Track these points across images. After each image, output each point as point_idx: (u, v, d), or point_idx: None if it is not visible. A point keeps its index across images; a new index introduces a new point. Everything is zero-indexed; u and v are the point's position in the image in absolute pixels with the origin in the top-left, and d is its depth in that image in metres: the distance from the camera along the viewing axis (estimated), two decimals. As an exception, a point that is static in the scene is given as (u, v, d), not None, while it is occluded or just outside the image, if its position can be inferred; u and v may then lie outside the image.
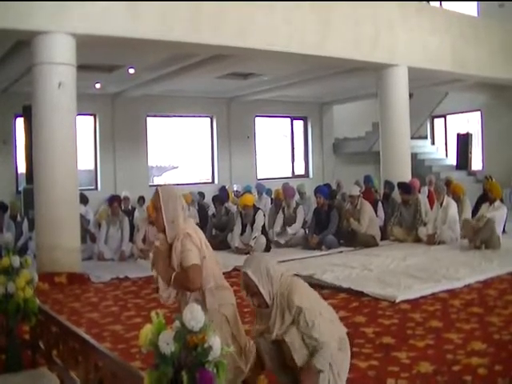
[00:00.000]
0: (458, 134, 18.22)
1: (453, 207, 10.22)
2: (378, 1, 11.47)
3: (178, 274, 3.78)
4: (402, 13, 12.07)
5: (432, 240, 10.12)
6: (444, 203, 10.25)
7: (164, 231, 3.90)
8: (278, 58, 11.23)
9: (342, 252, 9.95)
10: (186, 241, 3.80)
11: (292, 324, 3.49)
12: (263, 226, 10.40)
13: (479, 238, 9.31)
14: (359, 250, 9.96)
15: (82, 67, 9.45)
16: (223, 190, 13.12)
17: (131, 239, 10.42)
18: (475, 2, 16.45)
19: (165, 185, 4.13)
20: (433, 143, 19.63)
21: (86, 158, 15.13)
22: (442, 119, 19.41)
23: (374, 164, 14.87)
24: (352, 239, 10.36)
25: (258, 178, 17.91)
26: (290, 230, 10.88)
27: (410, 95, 12.70)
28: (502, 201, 10.03)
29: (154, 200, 3.94)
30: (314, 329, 3.44)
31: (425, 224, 10.63)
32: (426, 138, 19.35)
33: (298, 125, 19.67)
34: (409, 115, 12.43)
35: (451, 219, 10.13)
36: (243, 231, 10.41)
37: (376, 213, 10.88)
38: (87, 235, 10.50)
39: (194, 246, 3.81)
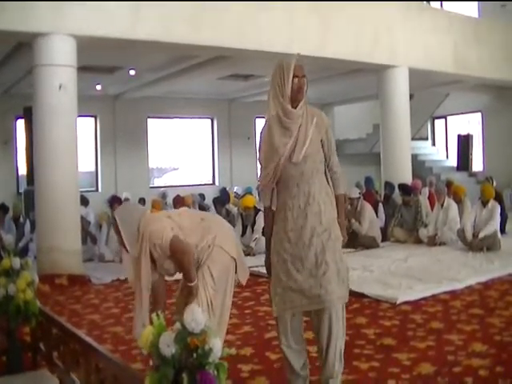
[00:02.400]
0: (459, 135, 18.22)
1: (453, 208, 10.22)
2: (379, 1, 11.47)
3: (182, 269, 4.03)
4: (403, 14, 12.08)
5: (433, 241, 10.12)
6: (445, 204, 10.26)
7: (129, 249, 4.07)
8: (278, 60, 11.21)
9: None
10: (153, 239, 3.94)
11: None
12: (264, 228, 10.40)
13: (482, 245, 9.30)
14: (360, 252, 9.96)
15: (82, 69, 9.47)
16: (224, 191, 13.13)
17: (132, 241, 10.41)
18: (476, 3, 16.44)
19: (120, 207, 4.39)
20: (433, 144, 19.63)
21: (86, 159, 15.14)
22: (443, 120, 19.41)
23: (375, 165, 14.87)
24: (353, 240, 10.32)
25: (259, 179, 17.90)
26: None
27: (411, 96, 12.71)
28: (496, 198, 9.94)
29: (114, 227, 4.12)
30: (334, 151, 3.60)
31: (425, 225, 10.63)
32: (426, 139, 19.35)
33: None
34: (409, 116, 12.43)
35: (452, 220, 10.13)
36: (244, 233, 10.41)
37: (377, 214, 10.88)
38: (88, 237, 10.50)
39: (160, 232, 3.96)
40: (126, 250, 4.05)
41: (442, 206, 10.29)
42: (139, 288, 4.01)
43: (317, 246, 3.47)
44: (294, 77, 3.44)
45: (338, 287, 3.52)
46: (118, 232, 4.04)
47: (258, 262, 9.17)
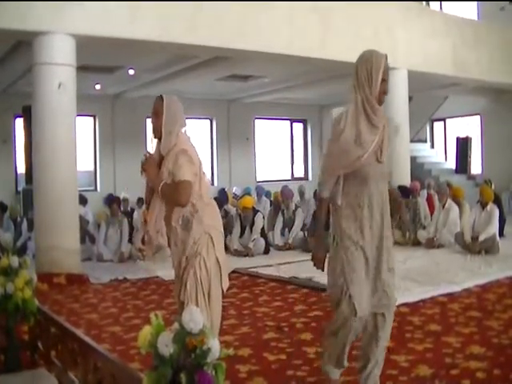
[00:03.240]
0: (458, 138, 18.23)
1: (455, 210, 10.25)
2: (379, 1, 11.48)
3: (167, 185, 3.73)
4: (402, 16, 12.09)
5: (431, 243, 10.12)
6: (446, 205, 10.29)
7: (160, 139, 3.84)
8: (278, 61, 11.25)
9: (340, 255, 9.92)
10: (181, 156, 3.73)
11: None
12: (262, 229, 10.41)
13: (480, 248, 9.32)
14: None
15: (82, 68, 9.47)
16: (223, 192, 13.13)
17: (130, 240, 10.43)
18: (475, 6, 16.45)
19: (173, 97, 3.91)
20: (432, 147, 19.64)
21: (85, 158, 15.14)
22: (442, 123, 19.42)
23: (374, 167, 14.85)
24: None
25: (258, 180, 17.92)
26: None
27: (410, 98, 12.72)
28: (495, 201, 9.96)
29: (156, 105, 3.85)
30: None
31: (424, 227, 10.63)
32: (425, 141, 19.36)
33: (298, 127, 19.69)
34: (408, 118, 12.43)
35: (451, 222, 10.14)
36: (242, 233, 10.42)
37: (375, 216, 10.87)
38: (86, 236, 10.50)
39: (189, 162, 3.74)
40: (156, 137, 3.85)
41: (444, 206, 10.32)
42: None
43: (386, 249, 3.48)
44: (382, 80, 3.48)
45: (394, 291, 3.55)
46: (158, 114, 3.80)
47: (256, 263, 9.22)
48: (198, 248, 3.78)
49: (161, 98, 3.85)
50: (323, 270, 3.58)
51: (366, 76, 3.47)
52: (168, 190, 3.72)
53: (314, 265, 3.59)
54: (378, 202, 3.48)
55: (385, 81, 3.49)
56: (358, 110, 3.48)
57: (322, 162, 3.58)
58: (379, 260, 3.48)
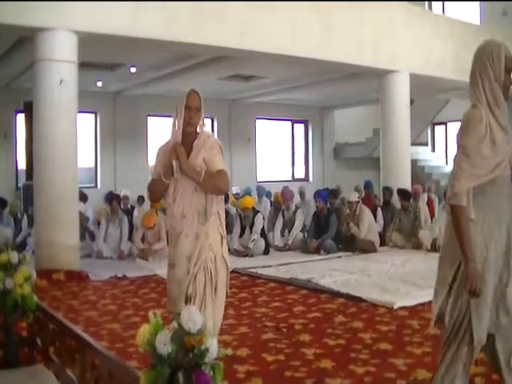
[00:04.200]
0: (459, 142, 18.22)
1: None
2: (381, 1, 11.48)
3: (209, 174, 3.81)
4: (405, 19, 12.10)
5: (436, 244, 10.03)
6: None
7: (192, 132, 3.89)
8: (280, 61, 11.25)
9: (340, 257, 9.95)
10: (216, 147, 3.92)
11: None
12: (262, 229, 10.41)
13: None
14: (358, 256, 9.97)
15: (83, 65, 9.45)
16: (223, 191, 13.12)
17: (130, 238, 10.43)
18: (478, 10, 16.45)
19: None
20: (433, 150, 19.64)
21: (86, 155, 15.12)
22: (443, 126, 19.42)
23: (374, 170, 14.88)
24: (351, 244, 10.36)
25: (258, 180, 17.90)
26: None
27: (411, 102, 12.72)
28: None
29: (197, 99, 3.84)
30: None
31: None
32: (426, 144, 19.36)
33: (299, 128, 19.68)
34: (409, 122, 12.43)
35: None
36: (242, 233, 10.42)
37: (375, 219, 10.88)
38: (86, 233, 10.49)
39: (221, 155, 3.94)
40: (191, 130, 3.89)
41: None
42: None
43: None
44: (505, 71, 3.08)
45: None
46: (199, 108, 3.84)
47: (255, 264, 9.21)
48: (211, 245, 3.82)
49: (196, 92, 3.87)
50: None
51: (488, 63, 3.15)
52: (211, 178, 3.81)
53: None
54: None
55: (509, 73, 3.08)
56: (485, 111, 3.09)
57: (456, 166, 3.11)
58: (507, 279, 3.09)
